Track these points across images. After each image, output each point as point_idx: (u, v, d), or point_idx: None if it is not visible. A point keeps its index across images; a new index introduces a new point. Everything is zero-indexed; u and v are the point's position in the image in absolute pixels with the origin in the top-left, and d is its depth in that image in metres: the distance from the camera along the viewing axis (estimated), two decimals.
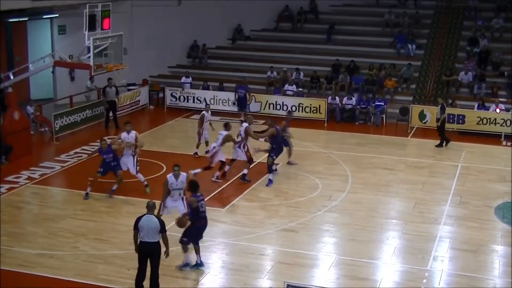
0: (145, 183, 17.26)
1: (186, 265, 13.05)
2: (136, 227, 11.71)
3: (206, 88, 27.51)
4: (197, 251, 13.05)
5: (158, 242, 11.69)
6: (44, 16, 26.48)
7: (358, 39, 31.56)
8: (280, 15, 33.54)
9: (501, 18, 30.46)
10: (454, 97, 26.63)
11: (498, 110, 24.18)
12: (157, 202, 13.00)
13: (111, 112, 24.32)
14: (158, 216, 11.98)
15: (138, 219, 11.74)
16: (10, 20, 24.56)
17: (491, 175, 19.54)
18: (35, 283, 12.42)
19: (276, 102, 26.32)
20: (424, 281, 12.79)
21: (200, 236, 13.07)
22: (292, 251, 13.93)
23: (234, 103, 26.01)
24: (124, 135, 17.54)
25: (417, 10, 32.35)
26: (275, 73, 28.88)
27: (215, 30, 31.97)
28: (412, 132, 24.58)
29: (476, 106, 25.12)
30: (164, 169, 19.34)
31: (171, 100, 27.40)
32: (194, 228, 12.90)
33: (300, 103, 26.16)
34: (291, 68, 29.09)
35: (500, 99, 25.48)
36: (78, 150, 21.31)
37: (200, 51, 31.53)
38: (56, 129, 22.60)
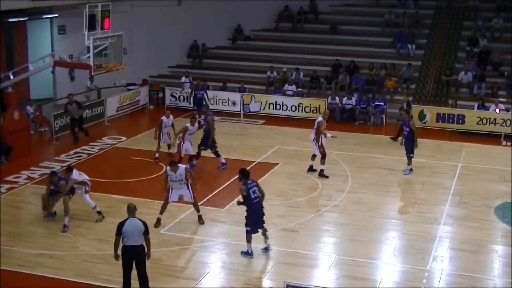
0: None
1: (247, 253, 13.52)
2: (119, 233, 11.48)
3: (206, 88, 27.49)
4: (264, 236, 13.68)
5: (142, 244, 11.54)
6: (44, 16, 26.46)
7: (358, 39, 31.57)
8: (280, 15, 33.55)
9: (501, 18, 30.47)
10: (454, 97, 26.64)
11: (498, 110, 24.18)
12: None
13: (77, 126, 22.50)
14: (140, 218, 11.66)
15: (122, 224, 11.50)
16: (10, 20, 24.56)
17: (491, 175, 19.54)
18: (35, 283, 12.44)
19: (276, 102, 26.32)
20: (424, 281, 12.80)
21: (260, 220, 13.60)
22: (292, 251, 13.93)
23: (190, 102, 25.77)
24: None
25: (417, 10, 32.36)
26: (275, 73, 28.89)
27: (215, 30, 31.99)
28: None
29: (476, 106, 25.12)
30: (164, 169, 19.34)
31: (171, 100, 27.40)
32: (250, 215, 13.47)
33: (300, 103, 26.17)
34: (291, 68, 29.11)
35: (500, 99, 25.49)
36: (78, 150, 21.32)
37: (200, 51, 31.56)
38: (56, 129, 22.60)
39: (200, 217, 15.35)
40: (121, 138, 22.86)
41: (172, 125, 20.18)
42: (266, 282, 12.69)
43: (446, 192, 17.90)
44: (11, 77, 20.69)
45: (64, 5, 25.41)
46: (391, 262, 13.67)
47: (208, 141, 19.37)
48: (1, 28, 24.64)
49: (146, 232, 11.56)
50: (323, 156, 18.80)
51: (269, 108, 26.33)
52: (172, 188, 15.01)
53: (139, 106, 27.41)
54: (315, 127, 18.79)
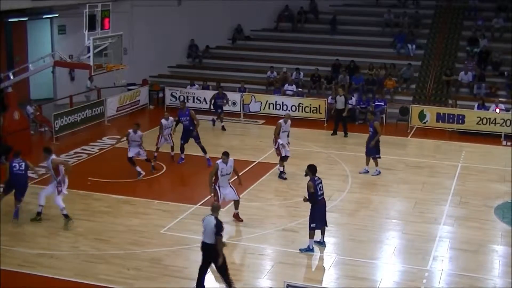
0: None
1: (308, 249, 13.64)
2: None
3: (206, 88, 27.50)
4: (323, 232, 13.93)
5: (213, 244, 11.49)
6: (44, 16, 26.49)
7: (358, 39, 31.57)
8: (280, 15, 33.56)
9: (501, 18, 30.47)
10: (454, 97, 26.64)
11: (498, 110, 24.19)
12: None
13: None
14: (217, 218, 11.60)
15: (204, 218, 11.69)
16: (10, 20, 24.55)
17: (491, 175, 19.54)
18: (35, 283, 12.43)
19: (276, 102, 26.32)
20: (424, 281, 12.79)
21: (325, 216, 13.86)
22: (292, 251, 13.92)
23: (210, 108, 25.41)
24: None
25: (417, 10, 32.37)
26: (275, 73, 28.89)
27: (215, 30, 31.99)
28: (412, 132, 24.59)
29: (476, 106, 25.12)
30: (164, 169, 19.36)
31: (171, 100, 27.40)
32: (315, 211, 13.61)
33: (300, 103, 26.17)
34: (291, 68, 29.11)
35: (500, 99, 25.49)
36: (78, 150, 21.33)
37: (199, 50, 31.57)
38: (56, 129, 22.60)
39: (237, 215, 15.44)
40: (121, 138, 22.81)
41: (172, 126, 20.12)
42: (266, 282, 12.68)
43: (446, 192, 17.90)
44: (11, 77, 20.69)
45: (64, 5, 25.44)
46: (391, 262, 13.67)
47: (189, 135, 19.68)
48: (1, 28, 24.63)
49: (217, 233, 11.45)
50: (280, 158, 18.72)
51: (269, 108, 26.33)
52: (219, 191, 14.79)
53: (139, 106, 27.41)
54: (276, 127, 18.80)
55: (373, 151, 18.99)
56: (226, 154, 14.92)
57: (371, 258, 13.77)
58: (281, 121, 18.89)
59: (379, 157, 19.09)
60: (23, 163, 15.44)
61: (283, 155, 18.64)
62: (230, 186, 15.17)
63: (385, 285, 12.60)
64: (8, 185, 15.48)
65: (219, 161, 14.90)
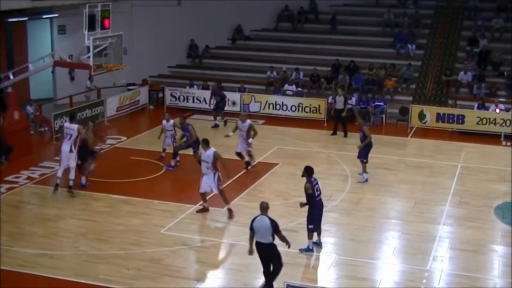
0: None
1: (308, 249, 13.63)
2: (251, 228, 11.69)
3: (206, 88, 27.50)
4: (319, 233, 13.94)
5: (272, 243, 11.62)
6: (44, 16, 26.48)
7: (358, 39, 31.58)
8: (280, 15, 33.58)
9: (501, 18, 30.49)
10: (454, 97, 26.64)
11: (497, 110, 24.18)
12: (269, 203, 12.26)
13: None
14: (269, 217, 11.73)
15: (253, 220, 11.72)
16: (10, 20, 24.56)
17: (491, 175, 19.54)
18: (35, 283, 12.43)
19: (275, 102, 26.32)
20: (424, 281, 12.79)
21: (321, 217, 13.86)
22: (292, 251, 13.88)
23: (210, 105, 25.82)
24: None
25: (417, 10, 32.39)
26: (275, 73, 28.89)
27: (215, 30, 32.00)
28: (412, 132, 24.59)
29: (476, 106, 25.12)
30: (164, 169, 19.36)
31: (170, 100, 27.40)
32: (313, 212, 13.62)
33: (300, 103, 26.16)
34: (291, 68, 29.11)
35: (500, 99, 25.49)
36: None
37: (199, 50, 31.57)
38: (56, 129, 22.59)
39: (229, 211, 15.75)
40: (121, 138, 22.86)
41: (173, 130, 20.07)
42: None
43: (446, 192, 17.90)
44: (11, 77, 20.68)
45: (64, 5, 25.42)
46: (391, 262, 13.67)
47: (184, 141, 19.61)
48: (1, 28, 24.63)
49: (275, 231, 11.57)
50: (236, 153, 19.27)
51: (269, 108, 26.33)
52: (203, 174, 15.57)
53: (139, 106, 27.41)
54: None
55: (360, 155, 18.59)
56: (204, 142, 15.64)
57: (371, 258, 13.77)
58: (238, 120, 19.35)
59: (366, 162, 18.56)
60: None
61: (237, 150, 19.02)
62: (213, 179, 15.44)
63: (385, 285, 12.60)
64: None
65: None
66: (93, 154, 17.62)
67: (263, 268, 11.91)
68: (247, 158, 19.23)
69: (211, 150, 15.47)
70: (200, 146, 16.69)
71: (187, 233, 14.80)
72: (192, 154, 19.09)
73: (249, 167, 19.17)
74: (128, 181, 18.17)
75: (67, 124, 17.27)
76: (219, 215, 15.85)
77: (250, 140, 19.00)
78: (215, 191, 15.73)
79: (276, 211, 16.15)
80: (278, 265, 11.84)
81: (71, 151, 16.67)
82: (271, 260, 11.81)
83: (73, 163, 16.75)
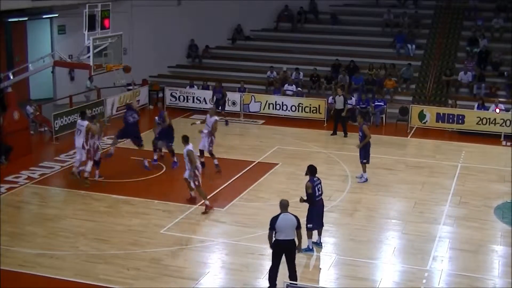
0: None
1: (308, 249, 13.58)
2: (272, 227, 11.67)
3: (206, 88, 27.50)
4: (319, 233, 13.95)
5: (294, 239, 11.73)
6: (44, 16, 26.47)
7: (358, 39, 31.58)
8: (280, 15, 33.57)
9: (501, 18, 30.48)
10: (454, 97, 26.65)
11: (497, 110, 24.18)
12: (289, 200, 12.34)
13: None
14: (292, 213, 11.85)
15: (275, 219, 11.70)
16: (10, 20, 24.55)
17: (491, 175, 19.54)
18: (35, 283, 12.43)
19: (275, 102, 26.31)
20: (424, 281, 12.79)
21: (322, 217, 13.88)
22: None
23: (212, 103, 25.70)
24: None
25: (417, 10, 32.39)
26: (275, 73, 28.89)
27: (215, 30, 32.00)
28: (412, 132, 24.59)
29: (476, 106, 25.12)
30: (164, 168, 19.36)
31: (170, 100, 27.40)
32: (313, 212, 13.63)
33: (300, 103, 26.16)
34: (291, 68, 29.12)
35: (500, 99, 25.48)
36: None
37: (199, 50, 31.57)
38: (56, 129, 22.59)
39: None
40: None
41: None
42: (266, 282, 12.65)
43: (446, 192, 17.91)
44: (11, 77, 20.67)
45: (64, 5, 25.42)
46: (391, 262, 13.67)
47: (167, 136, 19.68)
48: (1, 28, 24.63)
49: (298, 227, 11.72)
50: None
51: (269, 108, 26.33)
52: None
53: (139, 106, 27.34)
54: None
55: (360, 155, 18.57)
56: (183, 138, 16.13)
57: (371, 258, 13.77)
58: (207, 114, 19.53)
59: (366, 162, 18.56)
60: (135, 114, 19.52)
61: (199, 148, 18.92)
62: (188, 177, 15.92)
63: (385, 285, 12.60)
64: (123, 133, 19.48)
65: None
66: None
67: (273, 270, 11.83)
68: (215, 160, 18.99)
69: (188, 146, 15.88)
70: (172, 135, 19.06)
71: (187, 233, 14.80)
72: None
73: (217, 170, 18.97)
74: (128, 181, 18.17)
75: (79, 121, 18.17)
76: (219, 215, 15.85)
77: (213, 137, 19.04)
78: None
79: (276, 211, 16.15)
80: (293, 261, 11.91)
81: (83, 147, 17.58)
82: (290, 257, 11.82)
83: (85, 157, 17.61)
